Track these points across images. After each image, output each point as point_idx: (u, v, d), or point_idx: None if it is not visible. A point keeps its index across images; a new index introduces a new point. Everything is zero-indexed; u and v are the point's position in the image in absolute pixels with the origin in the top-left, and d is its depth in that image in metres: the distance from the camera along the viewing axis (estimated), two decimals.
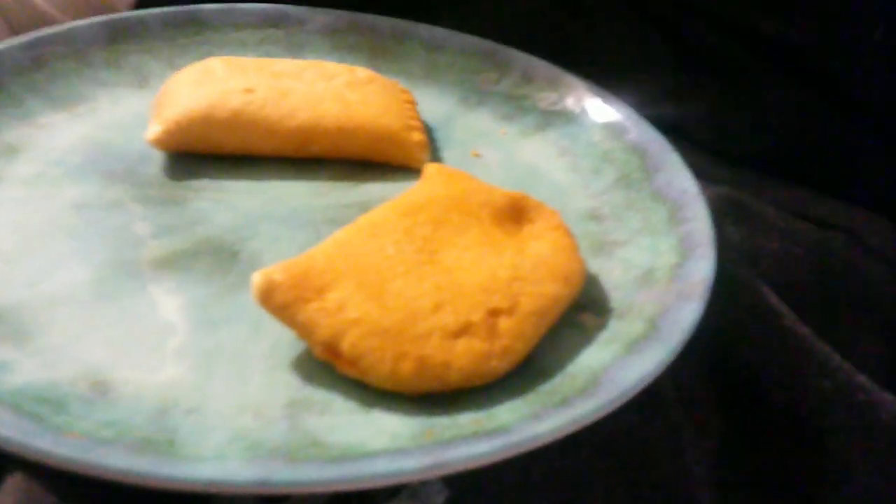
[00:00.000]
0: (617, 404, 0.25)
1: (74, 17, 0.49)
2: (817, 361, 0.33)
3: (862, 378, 0.33)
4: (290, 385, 0.26)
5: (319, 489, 0.22)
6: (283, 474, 0.22)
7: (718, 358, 0.32)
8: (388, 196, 0.35)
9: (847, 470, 0.32)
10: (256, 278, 0.27)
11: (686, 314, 0.28)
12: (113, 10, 0.56)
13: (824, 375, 0.32)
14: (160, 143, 0.35)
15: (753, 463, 0.32)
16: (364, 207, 0.35)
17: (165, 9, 0.43)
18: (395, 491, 0.25)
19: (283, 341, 0.28)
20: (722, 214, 0.35)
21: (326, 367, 0.27)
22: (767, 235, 0.36)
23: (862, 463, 0.32)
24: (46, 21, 0.53)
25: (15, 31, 0.53)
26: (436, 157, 0.39)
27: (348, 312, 0.26)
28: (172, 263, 0.31)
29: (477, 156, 0.39)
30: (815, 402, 0.32)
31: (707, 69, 0.41)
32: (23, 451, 0.22)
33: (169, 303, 0.29)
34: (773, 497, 0.31)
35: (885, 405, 0.32)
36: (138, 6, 0.51)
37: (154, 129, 0.35)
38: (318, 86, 0.38)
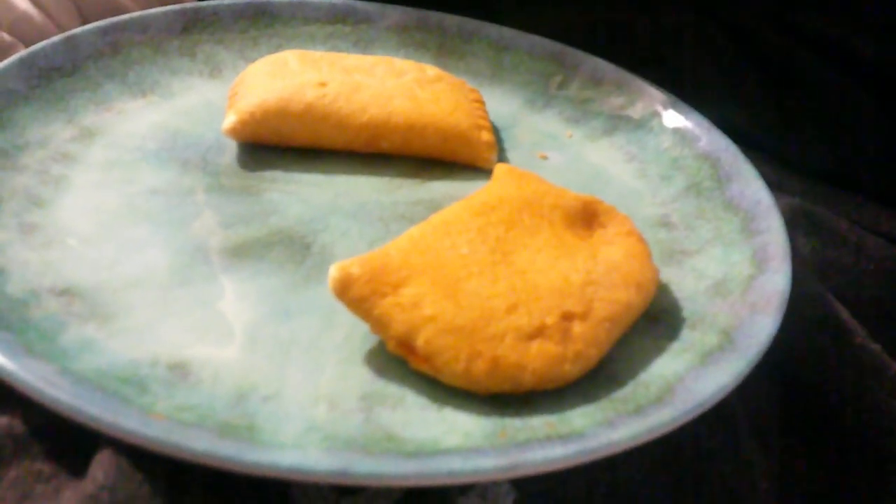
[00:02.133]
0: (693, 415, 0.25)
1: (144, 7, 0.50)
2: (888, 380, 0.32)
3: None
4: (363, 378, 0.27)
5: (396, 482, 0.22)
6: (363, 466, 0.22)
7: (786, 372, 0.32)
8: (456, 195, 0.35)
9: None
10: (334, 271, 0.27)
11: (762, 327, 0.27)
12: (180, 0, 0.57)
13: (895, 394, 0.32)
14: (235, 132, 0.36)
15: (819, 481, 0.32)
16: (432, 205, 0.35)
17: (238, 0, 0.43)
18: (464, 488, 0.25)
19: (355, 334, 0.28)
20: (793, 226, 0.35)
21: (398, 361, 0.27)
22: (839, 249, 0.36)
23: None
24: (117, 9, 0.54)
25: (83, 16, 0.54)
26: (502, 157, 0.39)
27: (424, 309, 0.26)
28: (246, 252, 0.31)
29: (544, 157, 0.39)
30: (885, 421, 0.31)
31: (781, 79, 0.41)
32: (112, 430, 0.23)
33: (244, 291, 0.30)
34: None
35: None
36: None
37: (230, 119, 0.36)
38: (388, 82, 0.38)
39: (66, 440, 0.24)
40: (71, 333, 0.27)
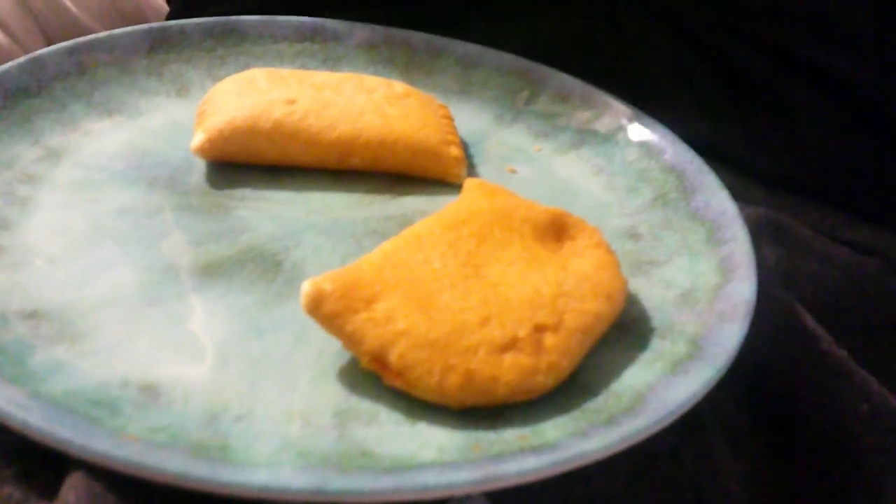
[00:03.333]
0: (664, 423, 0.25)
1: (108, 27, 0.50)
2: (854, 385, 0.33)
3: None
4: (337, 394, 0.27)
5: (372, 499, 0.22)
6: (338, 483, 0.22)
7: (754, 379, 0.33)
8: (427, 209, 0.35)
9: (882, 494, 0.32)
10: (306, 287, 0.27)
11: (729, 335, 0.28)
12: (145, 20, 0.57)
13: (861, 399, 0.32)
14: (204, 151, 0.36)
15: (789, 485, 0.32)
16: (403, 220, 0.35)
17: (205, 19, 0.43)
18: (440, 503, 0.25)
19: (328, 351, 0.28)
20: (758, 235, 0.35)
21: (371, 377, 0.27)
22: (804, 258, 0.37)
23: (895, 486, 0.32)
24: (80, 29, 0.54)
25: (49, 39, 0.54)
26: (472, 172, 0.39)
27: (396, 324, 0.26)
28: (216, 270, 0.31)
29: (513, 171, 0.39)
30: (852, 425, 0.32)
31: (744, 91, 0.42)
32: (83, 453, 0.22)
33: (214, 309, 0.29)
34: None
35: None
36: (171, 17, 0.52)
37: (199, 138, 0.36)
38: (357, 99, 0.38)
39: (36, 463, 0.24)
40: (40, 356, 0.26)
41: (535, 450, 0.24)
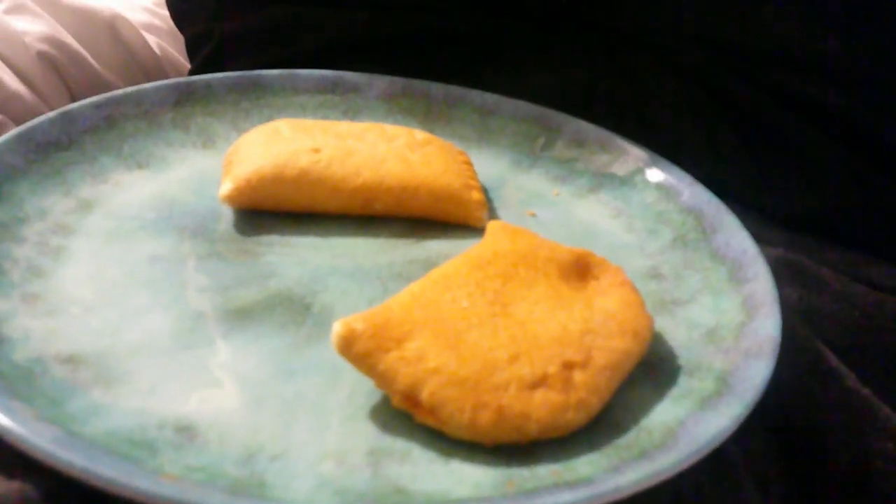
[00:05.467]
0: (696, 458, 0.25)
1: (130, 83, 0.51)
2: (880, 423, 0.33)
3: None
4: (370, 434, 0.27)
5: None
6: None
7: (781, 418, 0.33)
8: (450, 253, 0.36)
9: None
10: (337, 328, 0.28)
11: (756, 372, 0.28)
12: (166, 76, 0.58)
13: (887, 437, 0.32)
14: (232, 199, 0.37)
15: None
16: (427, 263, 0.36)
17: (230, 73, 0.45)
18: None
19: (359, 391, 0.28)
20: (778, 275, 0.36)
21: (404, 416, 0.27)
22: (824, 297, 0.37)
23: None
24: (103, 85, 0.56)
25: (73, 95, 0.55)
26: (492, 216, 0.40)
27: (427, 362, 0.27)
28: (246, 315, 0.32)
29: (532, 215, 0.40)
30: (879, 463, 0.32)
31: (758, 133, 0.43)
32: (126, 491, 0.23)
33: (246, 353, 0.30)
34: None
35: None
36: (192, 74, 0.53)
37: (227, 186, 0.37)
38: (380, 147, 0.39)
39: (74, 502, 0.24)
40: (78, 399, 0.27)
41: (570, 485, 0.24)
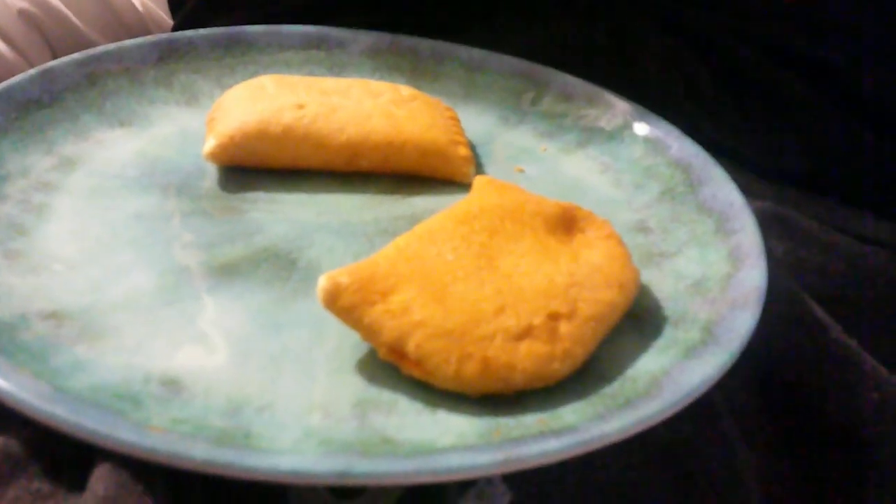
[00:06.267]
0: (680, 406, 0.25)
1: (112, 40, 0.51)
2: (864, 374, 0.33)
3: None
4: (356, 386, 0.27)
5: (396, 482, 0.23)
6: (362, 466, 0.22)
7: (766, 369, 0.33)
8: (436, 209, 0.35)
9: (893, 482, 0.32)
10: (323, 281, 0.27)
11: (742, 321, 0.28)
12: (149, 33, 0.57)
13: (871, 388, 0.33)
14: (215, 156, 0.36)
15: (800, 473, 0.32)
16: (413, 220, 0.36)
17: (213, 29, 0.44)
18: (462, 489, 0.25)
19: (346, 344, 0.28)
20: (765, 229, 0.36)
21: (390, 368, 0.27)
22: (810, 250, 0.37)
23: None
24: (84, 42, 0.55)
25: (54, 52, 0.55)
26: (479, 172, 0.39)
27: (413, 315, 0.27)
28: (232, 271, 0.32)
29: (520, 171, 0.40)
30: (864, 413, 0.32)
31: (746, 88, 0.42)
32: (110, 442, 0.23)
33: (231, 308, 0.30)
34: (821, 503, 0.32)
35: None
36: (177, 27, 0.52)
37: (210, 143, 0.36)
38: (365, 103, 0.39)
39: (63, 458, 0.24)
40: (62, 354, 0.27)
41: (555, 432, 0.24)
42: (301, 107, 0.38)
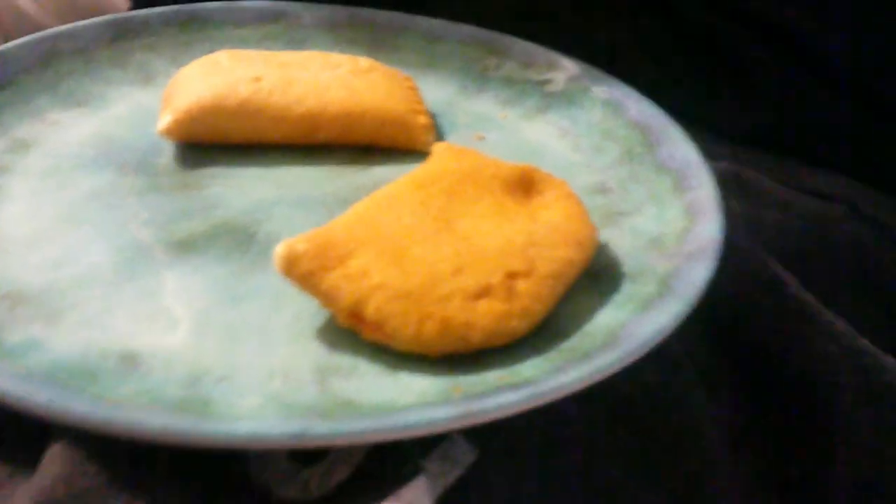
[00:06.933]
0: (637, 356, 0.26)
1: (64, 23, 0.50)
2: (822, 327, 0.33)
3: (865, 342, 0.34)
4: (316, 352, 0.27)
5: (356, 441, 0.23)
6: (321, 428, 0.22)
7: (726, 325, 0.33)
8: (397, 178, 0.35)
9: (853, 429, 0.33)
10: (280, 248, 0.27)
11: (698, 272, 0.29)
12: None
13: (830, 340, 0.33)
14: (171, 132, 0.36)
15: (764, 426, 0.33)
16: (374, 189, 0.35)
17: (167, 7, 0.44)
18: (425, 450, 0.25)
19: (305, 313, 0.28)
20: (723, 188, 0.36)
21: (349, 334, 0.27)
22: (768, 207, 0.37)
23: (867, 422, 0.33)
24: (37, 27, 0.54)
25: (6, 37, 0.54)
26: (440, 140, 0.39)
27: (371, 278, 0.27)
28: (190, 246, 0.31)
29: (481, 138, 0.40)
30: (823, 365, 0.33)
31: (701, 49, 0.42)
32: (63, 416, 0.22)
33: (189, 282, 0.30)
34: (783, 454, 0.32)
35: (889, 368, 0.33)
36: (134, 8, 0.52)
37: (165, 119, 0.36)
38: (323, 74, 0.39)
39: (18, 443, 0.24)
40: (16, 335, 0.27)
41: (514, 386, 0.24)
42: (258, 80, 0.37)
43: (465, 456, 0.26)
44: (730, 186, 0.38)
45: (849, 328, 0.34)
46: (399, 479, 0.24)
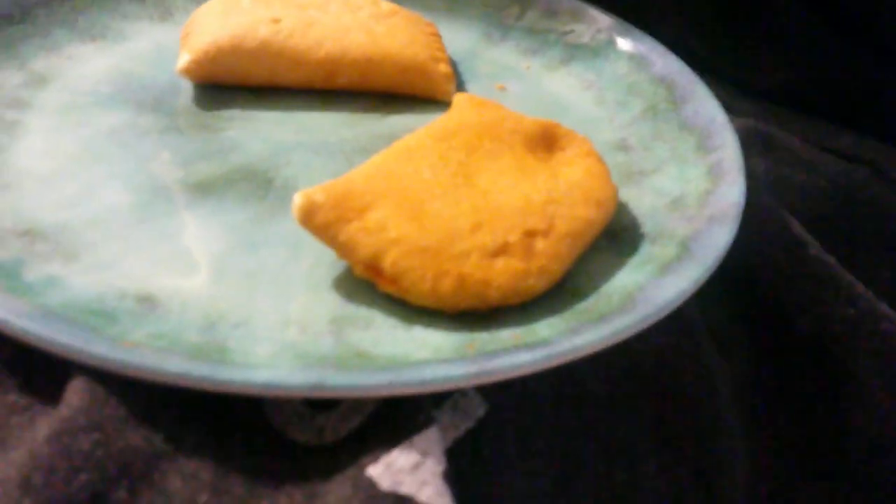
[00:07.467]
0: (654, 320, 0.25)
1: None
2: (841, 289, 0.33)
3: (885, 306, 0.33)
4: (332, 302, 0.27)
5: (370, 393, 0.23)
6: (336, 379, 0.23)
7: (744, 285, 0.33)
8: (416, 127, 0.35)
9: (869, 393, 0.33)
10: (298, 199, 0.27)
11: (718, 237, 0.28)
12: None
13: (849, 303, 0.33)
14: (190, 72, 0.35)
15: (778, 387, 0.33)
16: (392, 138, 0.35)
17: None
18: (437, 401, 0.25)
19: (322, 262, 0.28)
20: (747, 146, 0.35)
21: (367, 285, 0.27)
22: (792, 167, 0.37)
23: (884, 388, 0.33)
24: None
25: None
26: (461, 90, 0.39)
27: (389, 232, 0.27)
28: (208, 189, 0.31)
29: (502, 89, 0.39)
30: (840, 328, 0.33)
31: (731, 4, 0.41)
32: (83, 357, 0.23)
33: (207, 225, 0.30)
34: (797, 418, 0.32)
35: None
36: None
37: (184, 59, 0.35)
38: (343, 17, 0.38)
39: (38, 372, 0.24)
40: (35, 271, 0.27)
41: (529, 346, 0.24)
42: (277, 21, 0.37)
43: (476, 409, 0.26)
44: (754, 144, 0.37)
45: (868, 292, 0.34)
46: (411, 427, 0.24)
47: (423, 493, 0.22)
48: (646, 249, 0.29)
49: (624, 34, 0.40)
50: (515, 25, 0.42)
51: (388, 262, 0.26)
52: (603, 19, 0.40)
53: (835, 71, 0.41)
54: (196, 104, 0.36)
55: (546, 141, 0.32)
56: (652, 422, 0.29)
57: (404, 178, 0.28)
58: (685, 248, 0.28)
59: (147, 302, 0.26)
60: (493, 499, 0.25)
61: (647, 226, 0.31)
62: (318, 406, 0.24)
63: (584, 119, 0.37)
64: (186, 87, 0.37)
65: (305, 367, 0.23)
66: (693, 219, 0.30)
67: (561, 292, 0.28)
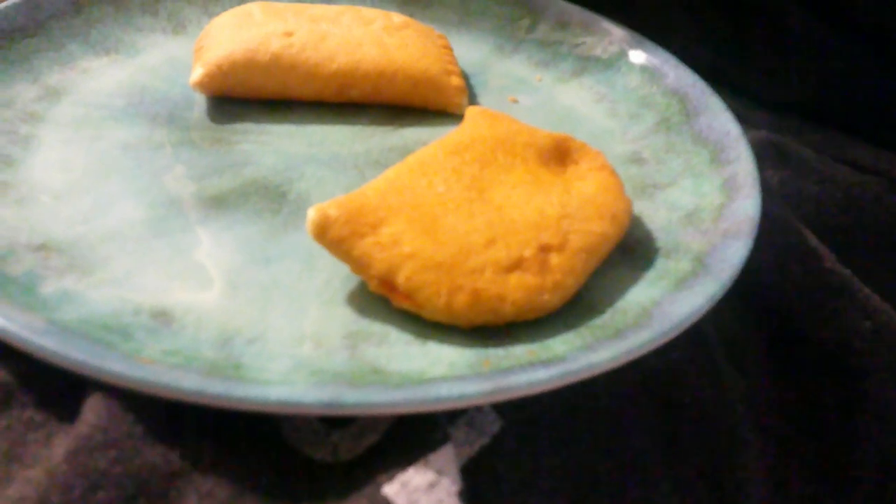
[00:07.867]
0: (670, 336, 0.25)
1: None
2: (857, 302, 0.33)
3: None
4: (347, 318, 0.27)
5: (386, 411, 0.23)
6: (352, 396, 0.23)
7: (759, 298, 0.33)
8: (428, 140, 0.35)
9: (884, 408, 0.32)
10: (312, 213, 0.27)
11: (734, 251, 0.28)
12: None
13: (864, 317, 0.33)
14: (203, 86, 0.36)
15: (792, 402, 0.33)
16: (405, 151, 0.35)
17: None
18: (452, 417, 0.25)
19: (336, 277, 0.28)
20: (761, 158, 0.35)
21: (380, 300, 0.27)
22: (807, 179, 0.37)
23: None
24: None
25: None
26: (473, 103, 0.39)
27: (403, 247, 0.27)
28: (222, 203, 0.31)
29: (514, 101, 0.39)
30: (855, 342, 0.32)
31: (744, 15, 0.41)
32: (98, 374, 0.23)
33: (221, 240, 0.30)
34: (813, 433, 0.32)
35: None
36: None
37: (197, 72, 0.35)
38: (355, 30, 0.38)
39: (55, 388, 0.25)
40: (51, 286, 0.27)
41: (544, 363, 0.24)
42: (289, 34, 0.37)
43: (491, 425, 0.26)
44: (768, 156, 0.37)
45: (884, 305, 0.33)
46: (427, 445, 0.24)
47: None
48: (661, 264, 0.29)
49: (636, 46, 0.39)
50: (527, 38, 0.42)
51: (402, 278, 0.26)
52: (615, 31, 0.40)
53: (848, 82, 0.41)
54: (209, 117, 0.36)
55: (559, 154, 0.32)
56: (666, 437, 0.29)
57: (418, 193, 0.28)
58: (700, 263, 0.28)
59: (162, 317, 0.26)
60: None
61: (661, 240, 0.31)
62: (333, 423, 0.24)
63: (597, 132, 0.37)
64: (200, 101, 0.37)
65: (320, 385, 0.23)
66: (708, 233, 0.30)
67: (575, 307, 0.27)
